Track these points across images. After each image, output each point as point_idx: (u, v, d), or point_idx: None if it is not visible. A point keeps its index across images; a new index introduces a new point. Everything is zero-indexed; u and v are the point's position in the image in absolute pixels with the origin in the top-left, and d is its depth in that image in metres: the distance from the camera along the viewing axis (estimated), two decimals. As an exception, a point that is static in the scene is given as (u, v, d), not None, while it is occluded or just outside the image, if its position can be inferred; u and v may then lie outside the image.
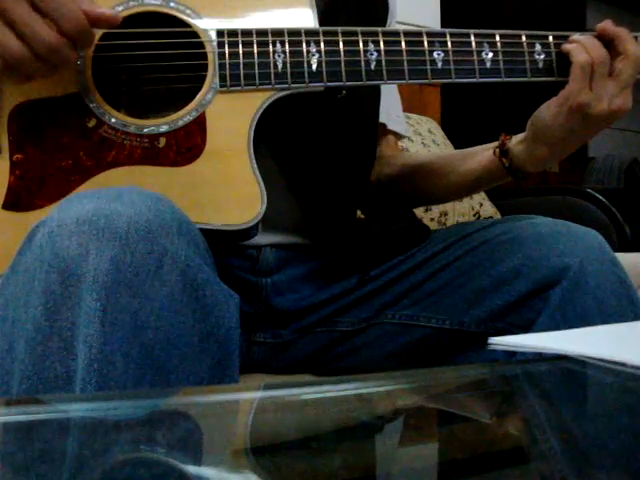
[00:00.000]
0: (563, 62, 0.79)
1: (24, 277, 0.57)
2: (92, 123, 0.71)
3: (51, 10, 0.63)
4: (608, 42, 0.77)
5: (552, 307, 0.76)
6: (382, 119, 0.99)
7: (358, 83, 0.75)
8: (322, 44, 0.74)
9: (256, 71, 0.73)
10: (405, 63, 0.75)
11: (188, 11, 0.74)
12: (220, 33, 0.73)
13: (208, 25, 0.74)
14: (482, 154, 0.89)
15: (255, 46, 0.73)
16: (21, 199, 0.70)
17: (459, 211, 1.73)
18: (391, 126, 1.02)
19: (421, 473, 0.33)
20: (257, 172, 0.71)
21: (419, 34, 0.76)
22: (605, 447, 0.35)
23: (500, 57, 0.77)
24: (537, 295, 0.78)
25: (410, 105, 1.85)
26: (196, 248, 0.61)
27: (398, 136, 1.06)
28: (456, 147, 1.70)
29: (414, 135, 1.71)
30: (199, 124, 0.72)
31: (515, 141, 0.85)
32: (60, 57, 0.66)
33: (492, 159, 0.87)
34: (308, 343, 0.89)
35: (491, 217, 1.75)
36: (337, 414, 0.41)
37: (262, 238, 0.81)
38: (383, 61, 0.75)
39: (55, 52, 0.65)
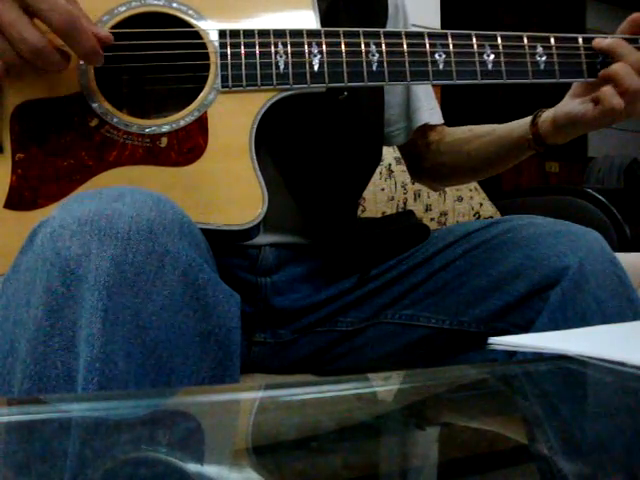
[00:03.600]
0: (565, 64, 0.79)
1: (26, 277, 0.57)
2: (94, 123, 0.71)
3: (40, 7, 0.63)
4: None
5: (552, 307, 0.76)
6: (425, 119, 1.02)
7: (360, 84, 0.75)
8: (324, 45, 0.74)
9: (258, 72, 0.73)
10: (407, 64, 0.75)
11: (190, 11, 0.74)
12: (222, 33, 0.73)
13: (210, 26, 0.74)
14: (520, 121, 0.94)
15: (257, 47, 0.73)
16: (23, 198, 0.70)
17: (459, 211, 1.73)
18: (432, 121, 1.04)
19: (421, 473, 0.33)
20: (259, 172, 0.71)
21: (421, 35, 0.76)
22: (605, 447, 0.35)
23: (501, 59, 0.77)
24: (537, 295, 0.78)
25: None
26: (197, 248, 0.61)
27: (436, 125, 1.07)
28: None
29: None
30: (201, 124, 0.72)
31: (545, 120, 0.89)
32: (45, 60, 0.65)
33: (526, 126, 0.91)
34: (308, 343, 0.89)
35: (491, 217, 1.75)
36: (337, 414, 0.41)
37: (262, 238, 0.81)
38: (385, 62, 0.75)
39: (40, 55, 0.64)
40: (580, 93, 0.85)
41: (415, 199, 1.69)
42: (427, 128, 1.04)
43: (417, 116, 1.02)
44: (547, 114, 0.89)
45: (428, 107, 1.03)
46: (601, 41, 0.80)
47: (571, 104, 0.85)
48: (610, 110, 0.79)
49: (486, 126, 1.00)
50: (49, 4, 0.63)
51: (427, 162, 1.06)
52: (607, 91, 0.79)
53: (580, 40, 0.81)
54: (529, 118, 0.92)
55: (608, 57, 0.80)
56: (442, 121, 1.05)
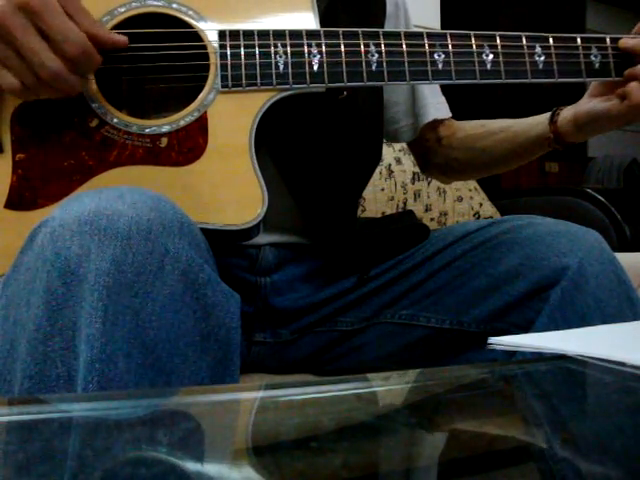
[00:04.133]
0: (563, 64, 0.80)
1: (26, 277, 0.57)
2: (94, 123, 0.72)
3: (55, 34, 0.65)
4: None
5: (552, 307, 0.76)
6: (432, 115, 1.02)
7: (359, 84, 0.75)
8: (323, 45, 0.74)
9: (257, 72, 0.73)
10: (406, 64, 0.75)
11: (190, 12, 0.75)
12: (222, 34, 0.73)
13: (210, 26, 0.74)
14: (536, 119, 0.94)
15: (257, 47, 0.73)
16: (23, 198, 0.70)
17: (459, 211, 1.73)
18: (439, 116, 1.03)
19: (421, 473, 0.33)
20: (258, 172, 0.71)
21: (420, 35, 0.76)
22: (604, 446, 0.36)
23: (500, 59, 0.78)
24: (537, 295, 0.78)
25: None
26: (197, 248, 0.62)
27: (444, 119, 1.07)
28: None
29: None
30: (201, 124, 0.72)
31: (565, 118, 0.89)
32: (64, 84, 0.67)
33: (544, 124, 0.91)
34: (308, 343, 0.89)
35: (491, 217, 1.75)
36: (337, 414, 0.41)
37: (262, 237, 0.81)
38: (384, 62, 0.75)
39: (59, 79, 0.66)
40: (598, 93, 0.86)
41: (415, 199, 1.69)
42: (436, 123, 1.04)
43: (424, 112, 1.02)
44: (566, 113, 0.89)
45: (435, 102, 1.03)
46: (627, 41, 0.82)
47: (591, 103, 0.86)
48: (638, 104, 0.79)
49: (500, 121, 1.00)
50: (63, 35, 0.65)
51: (439, 157, 1.05)
52: (634, 86, 0.80)
53: (579, 40, 0.81)
54: (546, 116, 0.92)
55: (619, 57, 0.81)
56: (450, 114, 1.04)
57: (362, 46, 0.75)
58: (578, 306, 0.75)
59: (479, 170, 1.06)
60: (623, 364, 0.44)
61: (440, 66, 0.76)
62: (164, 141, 0.71)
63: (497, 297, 0.81)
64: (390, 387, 0.49)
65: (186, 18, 0.74)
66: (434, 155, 1.06)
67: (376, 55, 0.75)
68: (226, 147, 0.72)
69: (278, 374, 0.89)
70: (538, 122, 0.93)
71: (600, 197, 1.85)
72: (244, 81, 0.73)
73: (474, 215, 1.75)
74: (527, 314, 0.79)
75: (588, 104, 0.86)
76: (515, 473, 0.33)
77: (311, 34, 0.74)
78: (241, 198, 0.71)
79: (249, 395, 0.48)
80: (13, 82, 0.67)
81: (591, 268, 0.76)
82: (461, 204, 1.74)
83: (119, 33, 0.71)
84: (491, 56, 0.78)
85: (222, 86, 0.73)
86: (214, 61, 0.73)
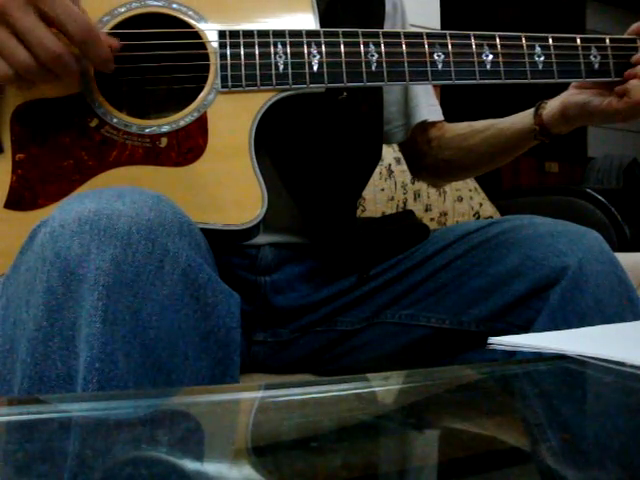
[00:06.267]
0: (563, 64, 0.80)
1: (26, 277, 0.57)
2: (94, 123, 0.72)
3: (57, 15, 0.63)
4: None
5: (551, 307, 0.76)
6: (424, 116, 1.02)
7: (359, 84, 0.75)
8: (323, 45, 0.74)
9: (257, 72, 0.73)
10: (406, 64, 0.75)
11: (190, 12, 0.75)
12: (222, 34, 0.73)
13: (210, 26, 0.74)
14: (521, 114, 0.95)
15: (256, 47, 0.73)
16: (23, 198, 0.70)
17: (459, 211, 1.73)
18: (430, 117, 1.04)
19: (421, 473, 0.33)
20: (258, 173, 0.71)
21: (419, 36, 0.76)
22: (603, 446, 0.36)
23: (500, 59, 0.78)
24: (537, 295, 0.78)
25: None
26: (197, 248, 0.62)
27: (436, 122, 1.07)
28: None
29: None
30: (200, 124, 0.72)
31: (551, 110, 0.90)
32: (64, 66, 0.65)
33: (529, 117, 0.93)
34: (308, 342, 0.89)
35: (491, 217, 1.75)
36: (337, 414, 0.41)
37: (261, 237, 0.81)
38: (384, 62, 0.75)
39: (59, 61, 0.65)
40: (588, 85, 0.86)
41: (415, 199, 1.69)
42: (427, 125, 1.04)
43: (415, 113, 1.02)
44: (552, 105, 0.90)
45: (427, 104, 1.03)
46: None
47: (583, 95, 0.86)
48: (638, 102, 0.80)
49: (485, 121, 1.01)
50: (66, 12, 0.63)
51: (428, 159, 1.06)
52: (635, 84, 0.80)
53: (578, 40, 0.81)
54: (530, 110, 0.93)
55: (619, 58, 0.82)
56: (442, 118, 1.05)
57: (362, 46, 0.75)
58: (578, 306, 0.75)
59: (467, 169, 1.07)
60: (623, 364, 0.44)
61: (440, 66, 0.76)
62: (164, 141, 0.71)
63: (497, 297, 0.81)
64: (390, 387, 0.49)
65: (186, 18, 0.74)
66: (424, 157, 1.06)
67: (376, 55, 0.75)
68: (226, 147, 0.72)
69: (278, 374, 0.89)
70: (523, 116, 0.94)
71: (600, 197, 1.86)
72: (244, 81, 0.73)
73: (474, 215, 1.75)
74: (527, 314, 0.79)
75: (579, 96, 0.86)
76: (515, 473, 0.33)
77: (311, 34, 0.74)
78: (241, 198, 0.71)
79: (249, 395, 0.48)
80: (5, 69, 0.64)
81: (591, 268, 0.76)
82: (461, 204, 1.74)
83: (119, 33, 0.71)
84: (491, 56, 0.78)
85: (222, 86, 0.73)
86: (214, 61, 0.73)
